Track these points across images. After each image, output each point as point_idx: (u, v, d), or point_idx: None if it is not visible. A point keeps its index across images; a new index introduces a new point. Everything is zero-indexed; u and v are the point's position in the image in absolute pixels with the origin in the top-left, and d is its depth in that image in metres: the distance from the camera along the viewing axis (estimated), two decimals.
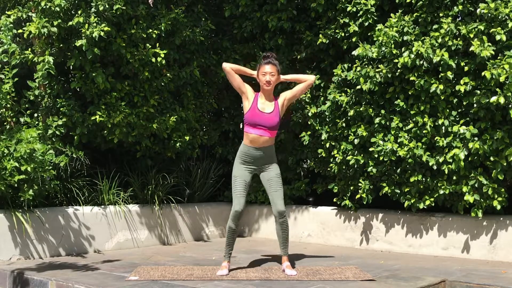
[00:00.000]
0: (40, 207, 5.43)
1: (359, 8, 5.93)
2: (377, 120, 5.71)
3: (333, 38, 6.27)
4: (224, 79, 7.02)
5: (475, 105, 5.23)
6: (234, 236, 4.60)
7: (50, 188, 5.37)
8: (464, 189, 5.29)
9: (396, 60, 5.54)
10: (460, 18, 5.54)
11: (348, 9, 6.00)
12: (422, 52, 5.33)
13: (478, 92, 5.17)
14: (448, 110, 5.40)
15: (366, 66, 5.83)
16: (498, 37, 5.06)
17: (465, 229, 5.48)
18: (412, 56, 5.39)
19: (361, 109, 5.81)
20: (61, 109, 5.76)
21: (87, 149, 6.14)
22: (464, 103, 5.30)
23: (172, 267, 4.80)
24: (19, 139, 5.14)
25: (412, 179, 5.53)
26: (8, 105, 5.65)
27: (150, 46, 6.13)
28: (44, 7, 5.58)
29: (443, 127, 5.38)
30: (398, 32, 5.56)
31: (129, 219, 6.04)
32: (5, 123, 5.77)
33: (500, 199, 5.19)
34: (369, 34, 5.95)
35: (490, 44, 5.11)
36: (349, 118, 5.95)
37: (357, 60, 5.87)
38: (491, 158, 5.17)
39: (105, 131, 5.92)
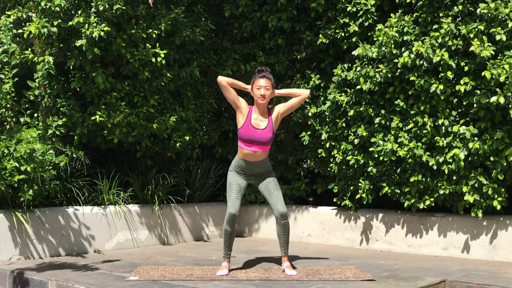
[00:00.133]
0: (40, 207, 5.43)
1: (359, 8, 5.93)
2: (377, 120, 5.71)
3: (333, 38, 6.27)
4: None
5: (475, 105, 5.23)
6: (231, 238, 4.60)
7: (50, 188, 5.37)
8: (464, 189, 5.29)
9: (396, 60, 5.54)
10: (460, 18, 5.54)
11: (348, 9, 6.00)
12: (422, 52, 5.33)
13: (478, 92, 5.18)
14: (448, 110, 5.40)
15: (366, 66, 5.83)
16: (498, 37, 5.06)
17: (465, 229, 5.48)
18: (412, 56, 5.40)
19: (361, 109, 5.81)
20: (61, 109, 5.76)
21: (87, 149, 6.14)
22: (464, 103, 5.30)
23: (172, 267, 4.80)
24: (19, 139, 5.14)
25: (412, 179, 5.53)
26: (8, 105, 5.65)
27: (150, 46, 6.13)
28: (44, 7, 5.58)
29: (443, 127, 5.38)
30: (398, 32, 5.56)
31: (129, 219, 6.04)
32: (5, 123, 5.77)
33: (500, 199, 5.19)
34: (369, 34, 5.95)
35: (490, 44, 5.11)
36: (349, 118, 5.95)
37: (357, 60, 5.87)
38: (491, 158, 5.17)
39: (105, 131, 5.92)
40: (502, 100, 4.95)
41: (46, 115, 5.91)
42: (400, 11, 5.72)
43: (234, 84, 4.66)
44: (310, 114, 6.29)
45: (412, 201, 5.61)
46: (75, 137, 5.84)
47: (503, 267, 4.90)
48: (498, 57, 5.13)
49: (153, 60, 6.11)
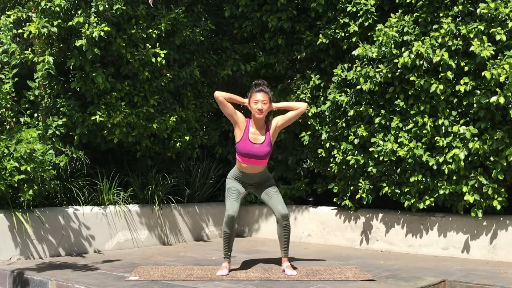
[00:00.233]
0: (40, 207, 5.43)
1: (359, 8, 5.93)
2: (377, 120, 5.71)
3: (333, 38, 6.27)
4: (224, 79, 7.03)
5: (475, 105, 5.23)
6: (230, 239, 4.60)
7: (50, 188, 5.37)
8: (464, 189, 5.29)
9: (396, 60, 5.54)
10: (460, 18, 5.54)
11: (348, 9, 6.00)
12: (422, 52, 5.33)
13: (478, 92, 5.18)
14: (448, 110, 5.40)
15: (366, 66, 5.83)
16: (498, 37, 5.06)
17: (465, 229, 5.48)
18: (412, 56, 5.40)
19: (361, 109, 5.81)
20: (61, 109, 5.76)
21: (87, 149, 6.14)
22: (464, 103, 5.30)
23: (172, 267, 4.80)
24: (19, 139, 5.14)
25: (412, 179, 5.53)
26: (8, 105, 5.65)
27: (150, 46, 6.13)
28: (44, 7, 5.58)
29: (443, 127, 5.38)
30: (398, 32, 5.56)
31: (129, 219, 6.04)
32: (5, 123, 5.77)
33: (500, 199, 5.19)
34: (369, 34, 5.95)
35: (490, 44, 5.11)
36: (349, 118, 5.95)
37: (357, 60, 5.87)
38: (491, 158, 5.17)
39: (105, 131, 5.92)
40: (502, 100, 4.95)
41: (46, 115, 5.91)
42: (400, 11, 5.72)
43: (231, 99, 4.63)
44: (310, 114, 6.29)
45: (412, 201, 5.61)
46: (75, 137, 5.84)
47: (503, 267, 4.90)
48: (498, 57, 5.13)
49: (153, 60, 6.11)
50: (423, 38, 5.51)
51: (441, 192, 5.42)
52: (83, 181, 5.97)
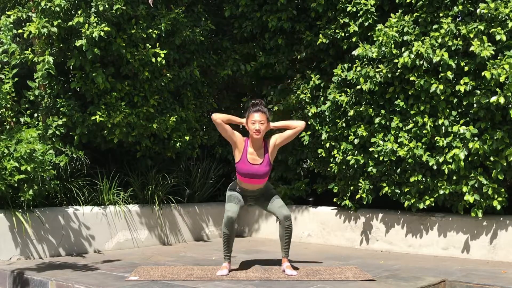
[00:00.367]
0: (40, 207, 5.43)
1: (359, 8, 5.93)
2: (377, 120, 5.71)
3: (333, 38, 6.27)
4: (224, 79, 7.03)
5: (475, 105, 5.23)
6: (230, 240, 4.59)
7: (50, 188, 5.37)
8: (464, 189, 5.29)
9: (396, 60, 5.54)
10: (460, 18, 5.54)
11: (348, 9, 6.00)
12: (422, 52, 5.33)
13: (478, 92, 5.18)
14: (448, 110, 5.40)
15: (366, 66, 5.83)
16: (498, 37, 5.06)
17: (465, 229, 5.48)
18: (412, 56, 5.40)
19: (361, 109, 5.81)
20: (61, 109, 5.76)
21: (87, 149, 6.14)
22: (464, 103, 5.30)
23: (172, 267, 4.80)
24: (19, 139, 5.14)
25: (412, 179, 5.53)
26: (8, 105, 5.65)
27: (150, 46, 6.13)
28: (44, 7, 5.58)
29: (443, 127, 5.38)
30: (398, 32, 5.56)
31: (129, 219, 6.04)
32: (5, 123, 5.77)
33: (500, 199, 5.19)
34: (369, 34, 5.95)
35: (490, 44, 5.11)
36: (349, 118, 5.95)
37: (357, 60, 5.87)
38: (491, 158, 5.17)
39: (105, 131, 5.92)
40: (502, 100, 4.95)
41: (46, 115, 5.91)
42: (400, 11, 5.72)
43: (229, 120, 4.63)
44: (310, 114, 6.29)
45: (412, 201, 5.61)
46: (75, 137, 5.84)
47: (503, 267, 4.90)
48: (498, 57, 5.13)
49: (153, 60, 6.11)
50: (423, 38, 5.51)
51: (441, 192, 5.42)
52: (83, 181, 5.97)
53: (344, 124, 6.02)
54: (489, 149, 5.14)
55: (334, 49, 6.39)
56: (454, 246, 5.52)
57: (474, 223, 5.42)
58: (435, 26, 5.47)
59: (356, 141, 5.85)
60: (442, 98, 5.39)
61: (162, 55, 6.13)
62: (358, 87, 5.79)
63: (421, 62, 5.42)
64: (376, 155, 5.66)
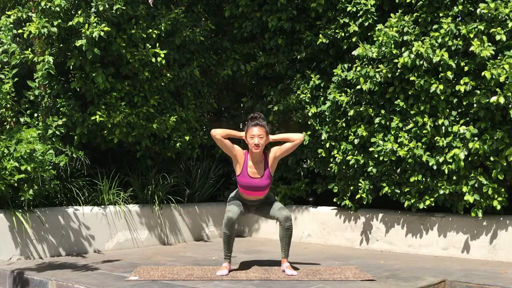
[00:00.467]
0: (40, 207, 5.43)
1: (359, 8, 5.93)
2: (377, 120, 5.71)
3: (333, 38, 6.27)
4: (224, 79, 7.03)
5: (475, 105, 5.23)
6: (230, 240, 4.60)
7: (50, 188, 5.37)
8: (464, 189, 5.29)
9: (396, 60, 5.54)
10: (460, 18, 5.54)
11: (348, 9, 6.00)
12: (422, 52, 5.33)
13: (478, 92, 5.18)
14: (448, 110, 5.40)
15: (366, 66, 5.83)
16: (498, 37, 5.06)
17: (465, 229, 5.48)
18: (412, 56, 5.40)
19: (361, 109, 5.81)
20: (61, 109, 5.76)
21: (87, 149, 6.14)
22: (464, 103, 5.30)
23: (172, 267, 4.80)
24: (19, 139, 5.14)
25: (412, 179, 5.53)
26: (8, 105, 5.65)
27: (150, 46, 6.13)
28: (44, 7, 5.58)
29: (443, 127, 5.38)
30: (398, 32, 5.56)
31: (129, 219, 6.04)
32: (5, 123, 5.77)
33: (500, 199, 5.19)
34: (369, 34, 5.95)
35: (490, 44, 5.11)
36: (349, 118, 5.95)
37: (357, 60, 5.87)
38: (491, 158, 5.17)
39: (105, 131, 5.92)
40: (502, 100, 4.95)
41: (46, 115, 5.91)
42: (400, 11, 5.72)
43: (228, 135, 4.64)
44: (310, 114, 6.29)
45: (412, 201, 5.61)
46: (75, 137, 5.84)
47: (503, 267, 4.90)
48: (498, 57, 5.13)
49: (153, 60, 6.11)
50: (423, 38, 5.51)
51: (441, 192, 5.42)
52: (83, 181, 5.97)
53: (344, 124, 6.02)
54: (489, 149, 5.14)
55: (334, 49, 6.39)
56: (454, 246, 5.52)
57: (474, 223, 5.42)
58: (435, 26, 5.47)
59: (356, 141, 5.85)
60: (442, 98, 5.39)
61: (162, 55, 6.13)
62: (358, 87, 5.79)
63: (421, 62, 5.42)
64: (376, 155, 5.66)
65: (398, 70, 5.59)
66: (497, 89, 5.03)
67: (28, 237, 5.15)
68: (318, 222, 6.46)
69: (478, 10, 5.19)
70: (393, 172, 5.73)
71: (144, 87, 6.23)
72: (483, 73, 5.06)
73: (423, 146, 5.49)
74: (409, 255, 5.63)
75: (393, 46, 5.56)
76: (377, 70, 5.69)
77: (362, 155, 5.86)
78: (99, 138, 6.06)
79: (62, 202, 5.82)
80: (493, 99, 5.01)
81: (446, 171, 5.35)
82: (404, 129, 5.60)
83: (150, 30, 6.16)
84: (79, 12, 5.71)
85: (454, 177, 5.37)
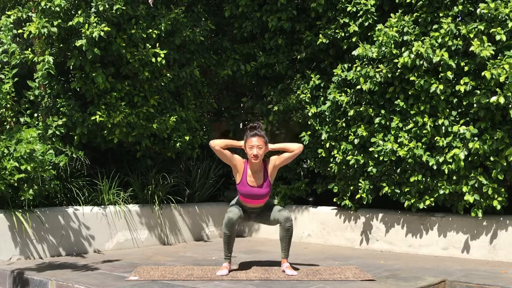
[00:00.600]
0: (40, 207, 5.43)
1: (359, 8, 5.93)
2: (377, 120, 5.71)
3: (333, 38, 6.27)
4: (224, 79, 7.03)
5: (475, 105, 5.23)
6: (230, 241, 4.60)
7: (50, 188, 5.37)
8: (464, 189, 5.29)
9: (396, 60, 5.54)
10: (460, 18, 5.54)
11: (348, 9, 6.00)
12: (422, 52, 5.33)
13: (478, 92, 5.18)
14: (448, 110, 5.40)
15: (366, 66, 5.83)
16: (498, 37, 5.06)
17: (465, 229, 5.48)
18: (412, 56, 5.40)
19: (361, 109, 5.81)
20: (61, 109, 5.76)
21: (87, 149, 6.14)
22: (464, 103, 5.30)
23: (172, 267, 4.80)
24: (19, 139, 5.14)
25: (412, 179, 5.53)
26: (8, 105, 5.65)
27: (150, 46, 6.13)
28: (44, 7, 5.58)
29: (443, 127, 5.38)
30: (398, 32, 5.56)
31: (129, 219, 6.04)
32: (5, 123, 5.77)
33: (500, 199, 5.19)
34: (369, 34, 5.95)
35: (490, 44, 5.11)
36: (349, 118, 5.95)
37: (357, 60, 5.87)
38: (491, 158, 5.17)
39: (105, 131, 5.92)
40: (502, 100, 4.95)
41: (46, 115, 5.91)
42: (400, 11, 5.72)
43: (227, 145, 4.65)
44: (310, 114, 6.29)
45: (412, 201, 5.61)
46: (75, 137, 5.84)
47: (503, 267, 4.90)
48: (498, 57, 5.13)
49: (153, 60, 6.11)
50: (423, 38, 5.51)
51: (441, 192, 5.42)
52: (83, 181, 5.97)
53: (344, 124, 6.02)
54: (489, 149, 5.14)
55: (334, 49, 6.39)
56: (454, 246, 5.52)
57: (474, 223, 5.42)
58: (435, 26, 5.47)
59: (356, 141, 5.85)
60: (442, 98, 5.39)
61: (162, 55, 6.13)
62: (358, 87, 5.79)
63: (421, 62, 5.42)
64: (376, 155, 5.66)
65: (398, 70, 5.59)
66: (497, 89, 5.03)
67: (28, 237, 5.15)
68: (318, 222, 6.45)
69: (478, 10, 5.19)
70: (393, 172, 5.73)
71: (144, 87, 6.23)
72: (483, 73, 5.06)
73: (423, 146, 5.49)
74: (409, 255, 5.63)
75: (393, 46, 5.56)
76: (377, 70, 5.69)
77: (362, 155, 5.86)
78: (99, 138, 6.06)
79: (62, 202, 5.82)
80: (493, 99, 5.01)
81: (446, 171, 5.35)
82: (404, 129, 5.60)
83: (150, 30, 6.16)
84: (79, 12, 5.71)
85: (454, 177, 5.37)
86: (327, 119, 6.14)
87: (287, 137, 6.81)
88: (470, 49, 5.19)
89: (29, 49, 5.77)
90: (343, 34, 6.14)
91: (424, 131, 5.45)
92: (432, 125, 5.42)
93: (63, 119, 5.75)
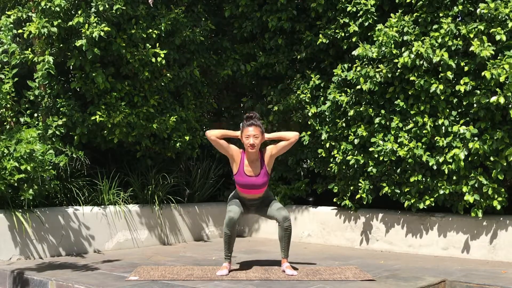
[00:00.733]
0: (40, 207, 5.43)
1: (359, 8, 5.93)
2: (377, 120, 5.71)
3: (333, 38, 6.27)
4: (224, 79, 7.03)
5: (475, 105, 5.23)
6: (231, 240, 4.60)
7: (50, 188, 5.37)
8: (464, 189, 5.29)
9: (396, 60, 5.54)
10: (460, 18, 5.54)
11: (348, 9, 6.00)
12: (422, 52, 5.33)
13: (478, 92, 5.18)
14: (448, 110, 5.40)
15: (366, 66, 5.83)
16: (498, 37, 5.06)
17: (465, 229, 5.48)
18: (412, 56, 5.40)
19: (361, 109, 5.81)
20: (61, 109, 5.76)
21: (87, 149, 6.14)
22: (464, 103, 5.30)
23: (172, 267, 4.80)
24: (19, 139, 5.14)
25: (412, 179, 5.53)
26: (8, 105, 5.65)
27: (150, 46, 6.13)
28: (44, 7, 5.58)
29: (443, 127, 5.38)
30: (398, 32, 5.56)
31: (129, 219, 6.04)
32: (5, 123, 5.77)
33: (500, 199, 5.19)
34: (369, 34, 5.95)
35: (490, 44, 5.11)
36: (349, 118, 5.95)
37: (357, 60, 5.87)
38: (491, 158, 5.17)
39: (105, 131, 5.92)
40: (502, 100, 4.95)
41: (46, 115, 5.91)
42: (400, 11, 5.72)
43: (223, 135, 4.66)
44: (310, 114, 6.29)
45: (412, 201, 5.61)
46: (75, 137, 5.84)
47: (503, 267, 4.90)
48: (498, 57, 5.13)
49: (153, 60, 6.11)
50: (423, 38, 5.51)
51: (441, 192, 5.42)
52: (83, 181, 5.97)
53: (344, 124, 6.02)
54: (489, 149, 5.14)
55: (334, 49, 6.39)
56: (454, 246, 5.52)
57: (474, 223, 5.42)
58: (435, 26, 5.47)
59: (356, 141, 5.85)
60: (442, 98, 5.39)
61: (162, 55, 6.13)
62: (358, 87, 5.79)
63: (421, 62, 5.42)
64: (376, 155, 5.66)
65: (398, 70, 5.59)
66: (497, 89, 5.03)
67: (28, 237, 5.16)
68: (318, 222, 6.46)
69: (478, 10, 5.19)
70: (393, 172, 5.73)
71: (144, 87, 6.23)
72: (483, 73, 5.06)
73: (423, 146, 5.49)
74: (409, 255, 5.63)
75: (393, 46, 5.56)
76: (377, 70, 5.69)
77: (362, 155, 5.86)
78: (99, 138, 6.06)
79: (62, 202, 5.82)
80: (493, 99, 5.01)
81: (446, 171, 5.35)
82: (404, 129, 5.60)
83: (150, 30, 6.16)
84: (79, 12, 5.72)
85: (454, 177, 5.37)
86: (327, 119, 6.14)
87: None
88: (470, 49, 5.19)
89: (29, 49, 5.77)
90: (343, 34, 6.14)
91: (424, 131, 5.45)
92: (432, 125, 5.42)
93: (63, 119, 5.75)
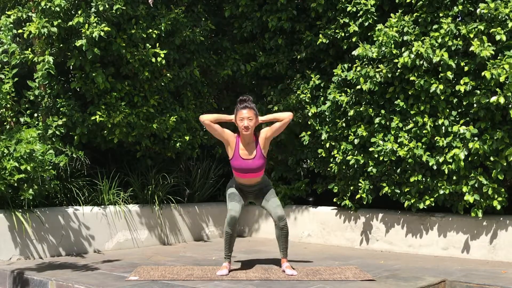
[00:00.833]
0: (40, 207, 5.44)
1: (359, 8, 5.93)
2: (377, 120, 5.71)
3: (333, 38, 6.27)
4: (224, 79, 7.03)
5: (475, 105, 5.23)
6: (231, 239, 4.60)
7: (50, 188, 5.37)
8: (464, 189, 5.29)
9: (396, 60, 5.54)
10: (460, 18, 5.54)
11: (348, 9, 6.00)
12: (422, 52, 5.33)
13: (478, 92, 5.18)
14: (448, 110, 5.40)
15: (366, 66, 5.83)
16: (498, 37, 5.06)
17: (465, 229, 5.48)
18: (412, 56, 5.40)
19: (361, 109, 5.81)
20: (61, 109, 5.76)
21: (87, 149, 6.14)
22: (464, 103, 5.30)
23: (172, 267, 4.80)
24: (19, 139, 5.14)
25: (412, 179, 5.53)
26: (8, 105, 5.66)
27: (150, 46, 6.13)
28: (44, 7, 5.59)
29: (443, 127, 5.38)
30: (398, 32, 5.56)
31: (129, 219, 6.04)
32: (5, 123, 5.77)
33: (500, 199, 5.19)
34: (369, 34, 5.95)
35: (490, 44, 5.11)
36: (349, 118, 5.95)
37: (357, 60, 5.87)
38: (491, 158, 5.17)
39: (105, 131, 5.92)
40: (502, 100, 4.95)
41: (46, 115, 5.91)
42: (400, 11, 5.72)
43: (217, 119, 4.66)
44: (310, 114, 6.29)
45: (412, 201, 5.61)
46: (75, 137, 5.84)
47: (503, 267, 4.90)
48: (498, 57, 5.13)
49: (153, 60, 6.11)
50: (423, 38, 5.51)
51: (441, 192, 5.42)
52: (83, 181, 5.97)
53: (344, 124, 6.02)
54: (489, 149, 5.14)
55: (334, 49, 6.40)
56: (454, 246, 5.52)
57: (474, 223, 5.42)
58: (435, 26, 5.47)
59: (356, 141, 5.85)
60: (442, 98, 5.39)
61: (162, 55, 6.13)
62: (358, 87, 5.79)
63: (421, 62, 5.42)
64: (376, 155, 5.66)
65: (398, 70, 5.59)
66: (497, 89, 5.03)
67: (28, 237, 5.16)
68: (318, 222, 6.46)
69: (478, 10, 5.19)
70: (393, 172, 5.73)
71: (144, 87, 6.23)
72: (483, 73, 5.06)
73: (423, 146, 5.49)
74: (409, 255, 5.63)
75: (393, 46, 5.56)
76: (377, 70, 5.69)
77: (362, 155, 5.86)
78: (99, 138, 6.06)
79: (62, 202, 5.82)
80: (493, 99, 5.01)
81: (446, 171, 5.35)
82: (404, 129, 5.60)
83: (150, 30, 6.16)
84: (79, 12, 5.72)
85: (454, 177, 5.37)
86: (327, 119, 6.14)
87: (287, 137, 6.81)
88: (470, 49, 5.19)
89: (29, 49, 5.77)
90: (343, 34, 6.14)
91: (424, 131, 5.45)
92: (432, 125, 5.42)
93: (63, 119, 5.75)
